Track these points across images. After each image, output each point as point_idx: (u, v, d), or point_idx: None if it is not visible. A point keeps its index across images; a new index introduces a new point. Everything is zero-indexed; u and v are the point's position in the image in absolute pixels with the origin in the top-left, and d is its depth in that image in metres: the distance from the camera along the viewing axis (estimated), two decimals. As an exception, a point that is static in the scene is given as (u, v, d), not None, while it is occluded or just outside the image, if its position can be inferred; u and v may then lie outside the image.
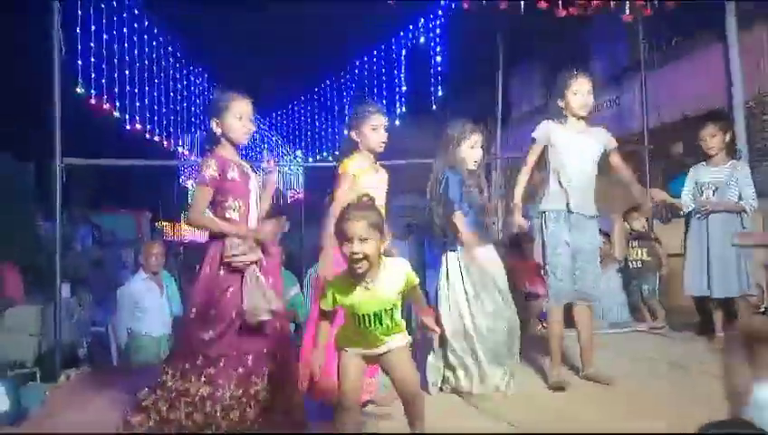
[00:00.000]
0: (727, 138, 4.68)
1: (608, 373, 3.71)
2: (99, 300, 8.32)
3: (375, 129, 3.38)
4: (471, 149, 3.62)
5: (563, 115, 3.74)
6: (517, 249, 6.12)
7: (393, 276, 2.44)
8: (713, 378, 3.54)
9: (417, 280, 2.51)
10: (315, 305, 3.25)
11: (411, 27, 7.84)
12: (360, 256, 2.32)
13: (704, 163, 4.75)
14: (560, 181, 3.69)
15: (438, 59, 7.43)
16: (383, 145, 3.41)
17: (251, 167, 3.17)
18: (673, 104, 6.62)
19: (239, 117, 3.03)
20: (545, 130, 3.76)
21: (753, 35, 5.83)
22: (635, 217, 5.90)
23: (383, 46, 8.43)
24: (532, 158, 3.77)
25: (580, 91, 3.67)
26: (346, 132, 3.48)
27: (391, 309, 2.43)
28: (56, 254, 4.61)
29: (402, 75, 8.30)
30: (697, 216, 4.69)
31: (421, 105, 7.87)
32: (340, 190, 3.29)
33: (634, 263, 5.93)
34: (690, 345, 4.77)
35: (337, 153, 3.82)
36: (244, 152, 3.40)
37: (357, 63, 8.99)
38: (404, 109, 8.25)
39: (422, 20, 7.62)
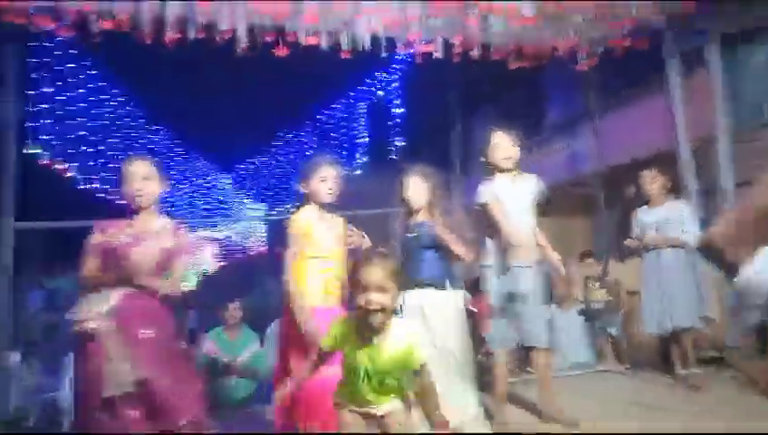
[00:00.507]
0: (667, 180, 4.94)
1: (572, 415, 3.70)
2: (49, 365, 7.99)
3: (323, 180, 3.35)
4: (411, 188, 3.66)
5: (491, 171, 3.88)
6: (477, 292, 6.14)
7: (402, 344, 2.28)
8: (684, 416, 3.65)
9: (422, 359, 2.31)
10: (280, 363, 3.24)
11: (369, 81, 8.02)
12: (377, 307, 2.17)
13: (646, 205, 4.98)
14: (493, 238, 3.78)
15: (397, 110, 7.60)
16: (330, 195, 3.36)
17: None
18: (623, 149, 6.86)
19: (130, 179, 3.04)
20: (484, 191, 3.83)
21: (696, 80, 6.13)
22: (587, 264, 6.05)
23: (344, 99, 8.58)
24: (497, 217, 3.77)
25: (499, 145, 3.82)
26: (297, 186, 3.47)
27: (394, 377, 2.28)
28: (7, 319, 4.42)
29: (362, 126, 8.44)
30: (648, 254, 4.85)
31: (381, 155, 7.98)
32: (288, 252, 3.23)
33: (595, 304, 6.01)
34: (653, 384, 4.82)
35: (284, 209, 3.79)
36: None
37: (318, 117, 9.11)
38: (365, 159, 8.35)
39: (381, 73, 7.81)
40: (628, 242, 5.03)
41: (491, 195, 3.80)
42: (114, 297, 2.89)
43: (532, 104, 8.53)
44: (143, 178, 3.03)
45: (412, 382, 2.34)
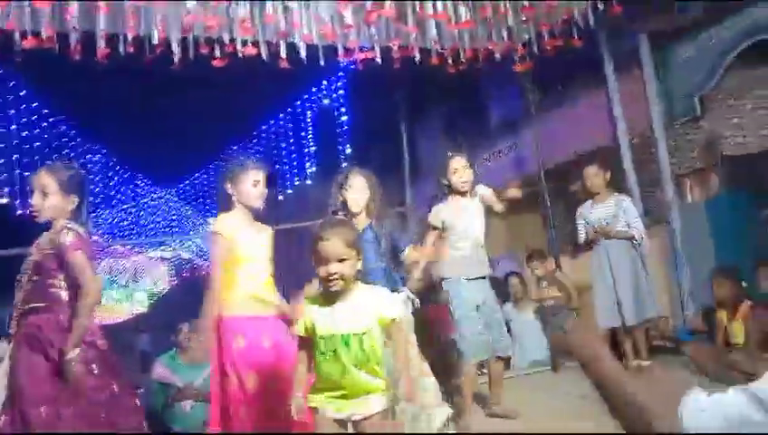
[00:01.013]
0: (608, 176, 5.07)
1: (512, 407, 3.96)
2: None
3: (256, 184, 3.25)
4: (350, 190, 3.55)
5: (446, 193, 4.13)
6: (432, 296, 6.15)
7: (369, 300, 2.34)
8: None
9: (395, 315, 2.37)
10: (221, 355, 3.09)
11: (314, 90, 7.99)
12: (338, 276, 2.26)
13: (590, 201, 5.09)
14: (453, 254, 3.96)
15: (344, 118, 7.60)
16: (260, 199, 3.27)
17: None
18: (565, 145, 7.00)
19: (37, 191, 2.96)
20: (436, 214, 4.11)
21: (630, 77, 6.32)
22: (535, 265, 6.14)
23: (289, 109, 8.52)
24: (430, 241, 4.06)
25: (458, 170, 4.05)
26: (223, 187, 3.29)
27: (361, 335, 2.27)
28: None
29: (309, 136, 8.40)
30: (596, 249, 4.96)
31: (330, 163, 7.95)
32: (213, 258, 3.14)
33: (547, 302, 6.09)
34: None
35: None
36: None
37: (264, 127, 9.02)
38: (313, 168, 8.30)
39: (325, 81, 7.78)
40: (583, 237, 5.13)
41: (437, 220, 4.08)
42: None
43: (475, 107, 8.63)
44: (41, 192, 2.91)
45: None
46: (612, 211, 4.95)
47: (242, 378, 2.97)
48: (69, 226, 2.92)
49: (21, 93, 6.23)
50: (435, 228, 4.08)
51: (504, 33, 5.18)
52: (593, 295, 5.14)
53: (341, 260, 2.26)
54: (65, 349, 2.75)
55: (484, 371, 5.00)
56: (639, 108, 6.22)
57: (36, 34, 4.06)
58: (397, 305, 2.45)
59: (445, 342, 5.67)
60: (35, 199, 2.92)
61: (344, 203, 3.54)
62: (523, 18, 5.13)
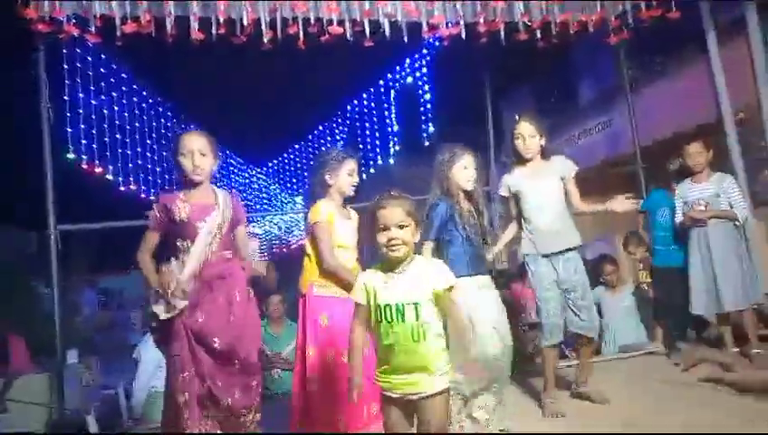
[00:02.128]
0: (710, 154, 4.72)
1: (604, 394, 3.72)
2: (108, 363, 8.28)
3: (351, 174, 3.41)
4: (464, 170, 3.49)
5: (513, 160, 3.88)
6: (520, 278, 6.06)
7: (425, 272, 2.36)
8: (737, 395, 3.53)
9: (451, 283, 2.38)
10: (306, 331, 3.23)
11: (398, 68, 7.98)
12: (399, 241, 2.31)
13: (689, 180, 4.76)
14: (527, 227, 3.78)
15: (427, 96, 7.55)
16: (354, 188, 3.43)
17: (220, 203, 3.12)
18: (664, 122, 6.63)
19: (185, 153, 3.04)
20: (505, 183, 3.89)
21: (734, 47, 5.89)
22: (633, 244, 5.86)
23: (372, 89, 8.57)
24: (513, 210, 3.89)
25: (521, 136, 3.78)
26: (322, 177, 3.41)
27: (416, 305, 2.29)
28: (55, 321, 4.58)
29: (393, 115, 8.41)
30: (695, 231, 4.66)
31: (414, 143, 7.93)
32: (323, 244, 3.23)
33: (643, 286, 5.84)
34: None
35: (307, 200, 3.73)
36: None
37: (348, 108, 9.12)
38: (397, 148, 8.32)
39: (408, 60, 7.75)
40: (687, 217, 4.73)
41: (506, 188, 3.87)
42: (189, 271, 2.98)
43: (566, 82, 8.32)
44: (200, 153, 3.05)
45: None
46: (714, 190, 4.62)
47: (323, 354, 3.11)
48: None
49: (122, 76, 6.62)
50: (505, 198, 3.88)
51: (598, 5, 4.94)
52: (688, 280, 4.84)
53: (401, 226, 2.32)
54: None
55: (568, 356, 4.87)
56: (745, 82, 5.79)
57: (135, 20, 4.30)
58: (450, 277, 2.38)
59: (522, 323, 5.57)
60: (197, 160, 3.04)
61: (451, 183, 3.47)
62: (618, -13, 4.87)
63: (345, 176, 3.39)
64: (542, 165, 3.81)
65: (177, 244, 3.01)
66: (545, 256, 3.72)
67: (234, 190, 3.35)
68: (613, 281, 5.98)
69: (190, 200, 3.06)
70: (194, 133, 3.15)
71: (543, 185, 3.77)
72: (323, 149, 10.07)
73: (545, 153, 3.83)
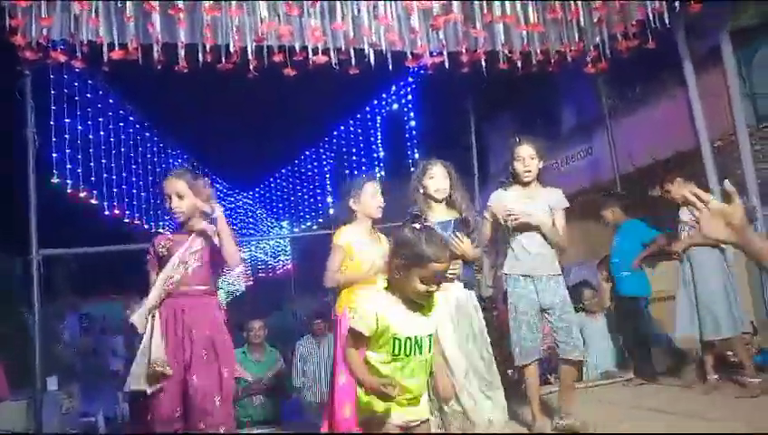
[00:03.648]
0: (689, 186, 4.75)
1: (583, 419, 3.66)
2: (88, 389, 8.15)
3: (374, 196, 3.52)
4: (431, 180, 3.59)
5: (511, 181, 3.89)
6: (506, 303, 6.08)
7: (437, 304, 2.35)
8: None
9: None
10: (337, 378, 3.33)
11: (384, 95, 8.09)
12: (435, 290, 2.26)
13: (687, 207, 4.79)
14: (513, 248, 3.79)
15: (413, 123, 7.65)
16: (380, 210, 3.53)
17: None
18: (643, 150, 6.76)
19: (165, 197, 3.21)
20: (496, 200, 3.88)
21: (710, 76, 6.05)
22: (605, 274, 5.92)
23: (359, 115, 8.67)
24: (485, 232, 3.85)
25: (521, 158, 3.80)
26: (346, 203, 3.56)
27: (430, 337, 2.29)
28: (35, 347, 4.53)
29: (379, 141, 8.51)
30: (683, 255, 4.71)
31: (399, 168, 8.01)
32: (329, 263, 3.37)
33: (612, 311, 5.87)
34: (684, 392, 4.68)
35: (332, 225, 3.86)
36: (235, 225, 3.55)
37: (334, 133, 9.22)
38: (382, 173, 8.38)
39: (393, 87, 7.86)
40: (677, 245, 4.77)
41: (494, 208, 3.85)
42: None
43: (548, 110, 8.47)
44: (177, 196, 3.17)
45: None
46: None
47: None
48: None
49: (109, 101, 6.65)
50: (492, 215, 3.84)
51: (576, 35, 5.07)
52: (675, 305, 4.86)
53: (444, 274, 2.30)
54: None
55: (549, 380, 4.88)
56: (721, 110, 5.94)
57: (123, 46, 4.35)
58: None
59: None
60: (175, 202, 3.18)
61: (425, 195, 3.60)
62: (596, 19, 5.00)
63: (368, 199, 3.50)
64: (538, 191, 3.86)
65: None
66: (527, 277, 3.74)
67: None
68: (592, 306, 6.03)
69: (175, 238, 3.20)
70: (172, 177, 3.25)
71: (537, 210, 3.79)
72: (309, 173, 10.16)
73: (541, 178, 3.88)
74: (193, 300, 3.10)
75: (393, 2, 4.70)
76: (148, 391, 2.96)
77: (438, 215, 3.60)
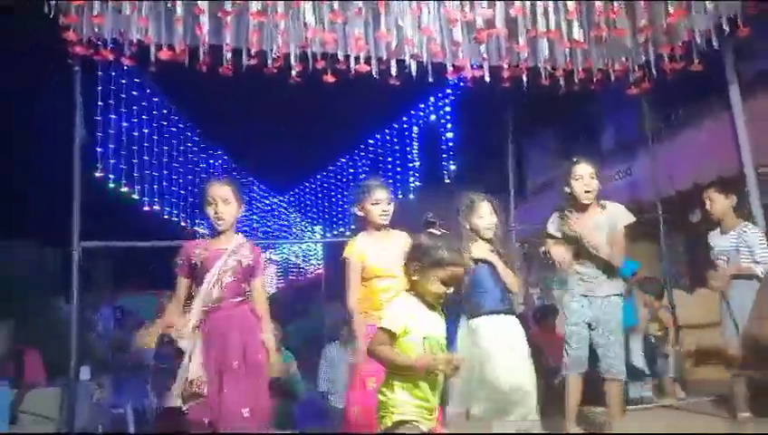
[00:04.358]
0: (732, 200, 4.58)
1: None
2: (118, 381, 8.30)
3: (377, 203, 3.47)
4: (480, 219, 3.61)
5: (570, 201, 3.85)
6: (543, 322, 6.01)
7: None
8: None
9: None
10: (352, 392, 3.34)
11: (422, 105, 8.11)
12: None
13: (717, 230, 4.64)
14: (576, 268, 3.79)
15: (449, 135, 7.66)
16: (384, 217, 3.49)
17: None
18: (685, 173, 6.62)
19: (209, 202, 3.20)
20: (554, 223, 3.90)
21: (757, 100, 5.90)
22: (645, 290, 5.78)
23: (396, 124, 8.71)
24: (556, 252, 3.84)
25: (581, 177, 3.78)
26: (351, 210, 3.61)
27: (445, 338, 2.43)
28: (71, 337, 4.62)
29: (415, 151, 8.53)
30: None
31: (434, 179, 8.01)
32: (347, 283, 3.39)
33: (650, 338, 5.72)
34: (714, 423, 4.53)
35: (338, 232, 3.90)
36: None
37: (371, 141, 9.27)
38: (417, 183, 8.39)
39: (432, 98, 7.88)
40: (714, 275, 4.51)
41: (555, 228, 3.87)
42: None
43: (588, 127, 8.36)
44: (223, 202, 3.18)
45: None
46: (734, 242, 4.40)
47: (364, 381, 3.23)
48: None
49: (154, 100, 6.81)
50: (551, 237, 3.87)
51: (620, 54, 5.00)
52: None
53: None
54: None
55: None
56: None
57: (170, 47, 4.45)
58: None
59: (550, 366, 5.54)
60: (220, 208, 3.18)
61: (472, 230, 3.61)
62: (641, 39, 4.92)
63: (371, 207, 3.48)
64: (599, 212, 3.82)
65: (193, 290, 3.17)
66: (584, 296, 3.76)
67: (254, 243, 3.46)
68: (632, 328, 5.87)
69: (211, 247, 3.21)
70: (218, 182, 3.29)
71: (598, 230, 3.77)
72: (345, 179, 10.22)
73: (599, 197, 3.86)
74: (228, 312, 3.14)
75: (437, 13, 4.71)
76: (184, 407, 3.01)
77: (480, 252, 3.59)
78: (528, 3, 4.53)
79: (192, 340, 3.09)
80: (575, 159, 3.85)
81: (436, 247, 2.34)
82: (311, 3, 4.46)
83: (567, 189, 3.83)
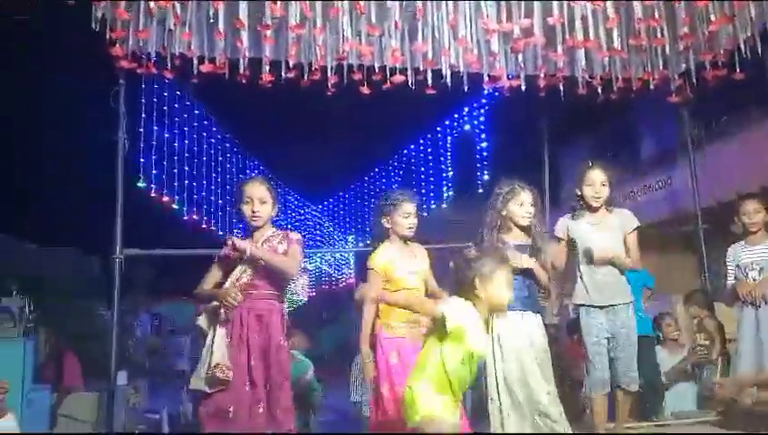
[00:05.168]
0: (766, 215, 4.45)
1: None
2: (154, 387, 8.46)
3: (407, 216, 3.54)
4: (520, 207, 3.60)
5: (581, 205, 3.86)
6: (571, 334, 5.92)
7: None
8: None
9: None
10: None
11: (456, 115, 8.12)
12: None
13: (742, 243, 4.50)
14: (584, 277, 3.76)
15: (484, 144, 7.63)
16: (411, 230, 3.57)
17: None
18: (726, 183, 6.47)
19: (246, 201, 3.27)
20: (563, 226, 3.88)
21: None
22: (699, 302, 5.64)
23: (429, 134, 8.74)
24: (560, 258, 3.84)
25: (593, 183, 3.79)
26: (380, 220, 3.62)
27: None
28: (111, 342, 4.73)
29: (449, 161, 8.53)
30: (746, 303, 4.38)
31: (468, 189, 7.98)
32: (366, 287, 3.46)
33: (698, 349, 5.59)
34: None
35: (369, 241, 3.91)
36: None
37: (405, 151, 9.30)
38: (451, 193, 8.38)
39: (466, 108, 7.87)
40: (739, 287, 4.33)
41: (564, 231, 3.87)
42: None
43: (626, 136, 8.25)
44: (259, 201, 3.24)
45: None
46: (766, 256, 4.32)
47: (394, 389, 3.27)
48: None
49: (195, 112, 6.96)
50: (558, 240, 3.86)
51: (660, 63, 4.92)
52: (738, 354, 4.56)
53: None
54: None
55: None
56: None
57: (211, 60, 4.56)
58: None
59: (572, 379, 5.45)
60: (257, 207, 3.27)
61: (508, 218, 3.60)
62: (682, 47, 4.84)
63: (400, 219, 3.53)
64: (607, 216, 3.83)
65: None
66: (599, 307, 3.70)
67: (292, 230, 3.59)
68: (671, 335, 5.75)
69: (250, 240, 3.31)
70: (255, 181, 3.37)
71: (607, 237, 3.76)
72: (378, 190, 10.26)
73: (609, 204, 3.85)
74: (260, 304, 3.21)
75: (473, 24, 4.71)
76: (208, 390, 3.05)
77: (516, 238, 3.62)
78: (566, 11, 4.49)
79: (210, 321, 3.18)
80: (590, 164, 3.87)
81: (488, 256, 2.54)
82: (347, 17, 4.50)
83: (578, 191, 3.87)
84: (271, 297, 3.26)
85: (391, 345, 3.39)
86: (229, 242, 3.23)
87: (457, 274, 2.55)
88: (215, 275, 3.30)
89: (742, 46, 4.60)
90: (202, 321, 3.26)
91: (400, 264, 3.50)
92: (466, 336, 2.41)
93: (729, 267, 4.51)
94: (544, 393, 3.36)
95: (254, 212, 3.25)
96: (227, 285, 3.19)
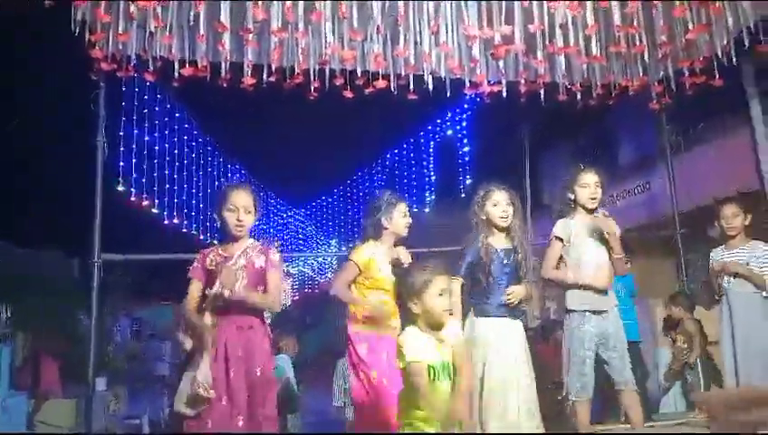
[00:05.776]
0: (747, 219, 4.55)
1: None
2: (134, 392, 8.35)
3: (404, 215, 3.66)
4: (494, 207, 3.57)
5: (572, 208, 3.82)
6: (549, 337, 5.98)
7: (453, 332, 2.58)
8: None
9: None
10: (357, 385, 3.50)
11: (439, 121, 8.16)
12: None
13: (722, 247, 4.59)
14: (578, 279, 3.70)
15: (466, 149, 7.68)
16: (408, 229, 3.67)
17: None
18: (704, 188, 6.55)
19: (232, 209, 3.20)
20: (564, 227, 3.80)
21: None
22: (675, 303, 5.71)
23: (412, 139, 8.77)
24: (554, 255, 3.79)
25: (588, 185, 3.76)
26: (377, 220, 3.63)
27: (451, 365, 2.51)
28: (89, 347, 4.67)
29: (431, 166, 8.57)
30: (723, 299, 4.47)
31: (450, 193, 8.02)
32: (340, 274, 3.58)
33: (678, 351, 5.65)
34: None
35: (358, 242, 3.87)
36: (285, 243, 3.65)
37: (388, 155, 9.33)
38: (433, 197, 8.42)
39: (449, 113, 7.91)
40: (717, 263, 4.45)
41: (565, 234, 3.78)
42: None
43: (605, 141, 8.34)
44: (245, 210, 3.19)
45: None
46: (745, 258, 4.35)
47: (368, 374, 3.45)
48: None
49: (176, 115, 6.91)
50: (559, 240, 3.76)
51: (639, 69, 4.99)
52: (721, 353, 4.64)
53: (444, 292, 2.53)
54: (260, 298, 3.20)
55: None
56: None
57: (193, 63, 4.53)
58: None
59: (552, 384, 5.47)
60: (242, 216, 3.18)
61: (487, 221, 3.58)
62: (660, 55, 4.91)
63: (400, 217, 3.64)
64: (591, 218, 3.79)
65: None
66: (594, 312, 3.66)
67: (271, 243, 3.60)
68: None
69: (224, 253, 3.21)
70: (242, 190, 3.27)
71: (601, 242, 3.75)
72: (361, 194, 10.26)
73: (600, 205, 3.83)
74: (240, 318, 3.12)
75: (455, 30, 4.74)
76: (190, 413, 3.01)
77: (500, 242, 3.59)
78: (546, 18, 4.53)
79: (197, 339, 3.14)
80: (582, 167, 3.84)
81: (416, 271, 2.56)
82: (330, 22, 4.51)
83: (570, 195, 3.82)
84: (251, 308, 3.21)
85: (359, 338, 3.51)
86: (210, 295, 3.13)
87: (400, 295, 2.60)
88: (195, 291, 3.20)
89: (719, 53, 4.68)
90: (186, 342, 3.24)
91: (384, 265, 3.55)
92: (422, 367, 2.42)
93: (711, 271, 4.57)
94: (524, 408, 3.37)
95: (239, 221, 3.18)
96: (210, 298, 3.12)
